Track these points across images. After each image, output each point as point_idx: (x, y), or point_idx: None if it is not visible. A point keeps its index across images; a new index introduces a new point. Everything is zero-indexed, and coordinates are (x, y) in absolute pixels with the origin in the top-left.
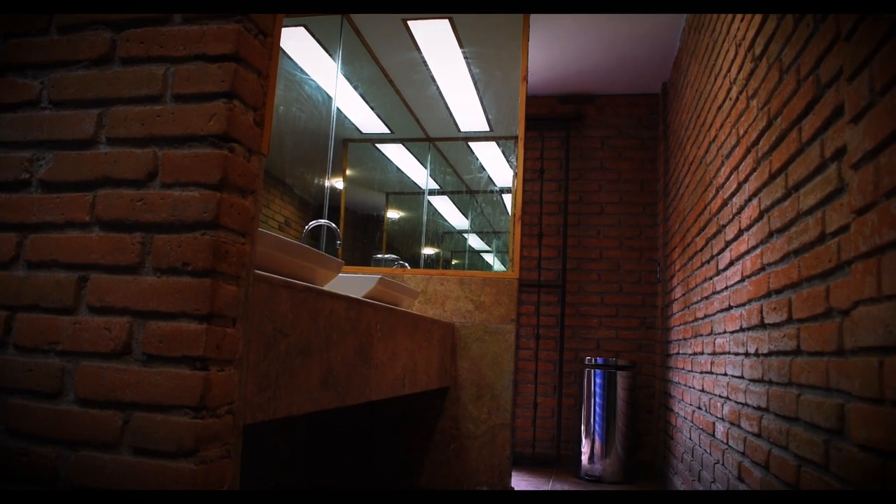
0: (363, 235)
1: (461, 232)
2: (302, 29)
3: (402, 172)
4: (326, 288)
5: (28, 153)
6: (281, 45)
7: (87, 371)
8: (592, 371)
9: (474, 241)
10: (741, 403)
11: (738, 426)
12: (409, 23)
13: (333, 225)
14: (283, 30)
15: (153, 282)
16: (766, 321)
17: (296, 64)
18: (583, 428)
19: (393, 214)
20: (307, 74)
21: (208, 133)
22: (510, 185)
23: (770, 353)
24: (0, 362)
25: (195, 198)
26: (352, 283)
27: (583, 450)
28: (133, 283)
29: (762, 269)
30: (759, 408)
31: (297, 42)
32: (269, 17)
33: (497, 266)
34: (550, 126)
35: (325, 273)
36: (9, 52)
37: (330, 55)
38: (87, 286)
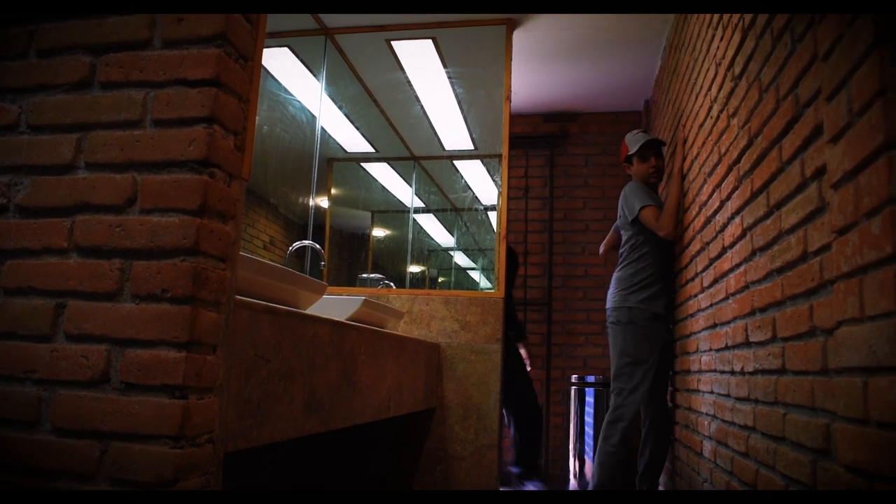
0: (348, 254)
1: (447, 250)
2: (286, 49)
3: (388, 191)
4: (310, 310)
5: (6, 178)
6: (265, 65)
7: (64, 400)
8: (579, 389)
9: (460, 259)
10: (728, 422)
11: (726, 445)
12: (393, 43)
13: (317, 246)
14: (267, 50)
15: (132, 309)
16: (752, 339)
17: (280, 84)
18: (570, 447)
19: (378, 233)
20: (291, 95)
21: (188, 158)
22: (495, 202)
23: (755, 372)
24: None
25: (175, 224)
26: (336, 304)
27: (571, 469)
28: (111, 311)
29: (746, 287)
30: (745, 426)
31: (280, 62)
32: (250, 41)
33: (483, 283)
34: (535, 144)
35: (309, 296)
36: None
37: (314, 75)
38: (64, 313)
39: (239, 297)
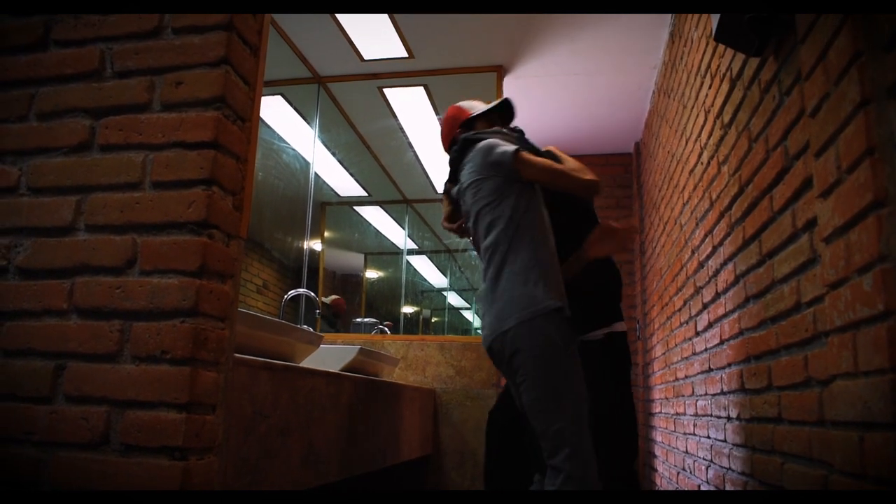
0: (342, 297)
1: (440, 290)
2: (279, 97)
3: (381, 234)
4: (306, 361)
5: (6, 240)
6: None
7: (63, 462)
8: None
9: (454, 299)
10: (725, 468)
11: (724, 491)
12: (385, 90)
13: (312, 294)
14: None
15: (132, 370)
16: (747, 386)
17: (274, 132)
18: None
19: (372, 275)
20: (286, 142)
21: (187, 220)
22: None
23: (752, 419)
24: None
25: (174, 285)
26: (332, 354)
27: None
28: (111, 372)
29: (740, 333)
30: (743, 473)
31: (274, 110)
32: (248, 103)
33: (477, 323)
34: None
35: (306, 347)
36: None
37: (307, 122)
38: (64, 375)
39: (237, 354)
